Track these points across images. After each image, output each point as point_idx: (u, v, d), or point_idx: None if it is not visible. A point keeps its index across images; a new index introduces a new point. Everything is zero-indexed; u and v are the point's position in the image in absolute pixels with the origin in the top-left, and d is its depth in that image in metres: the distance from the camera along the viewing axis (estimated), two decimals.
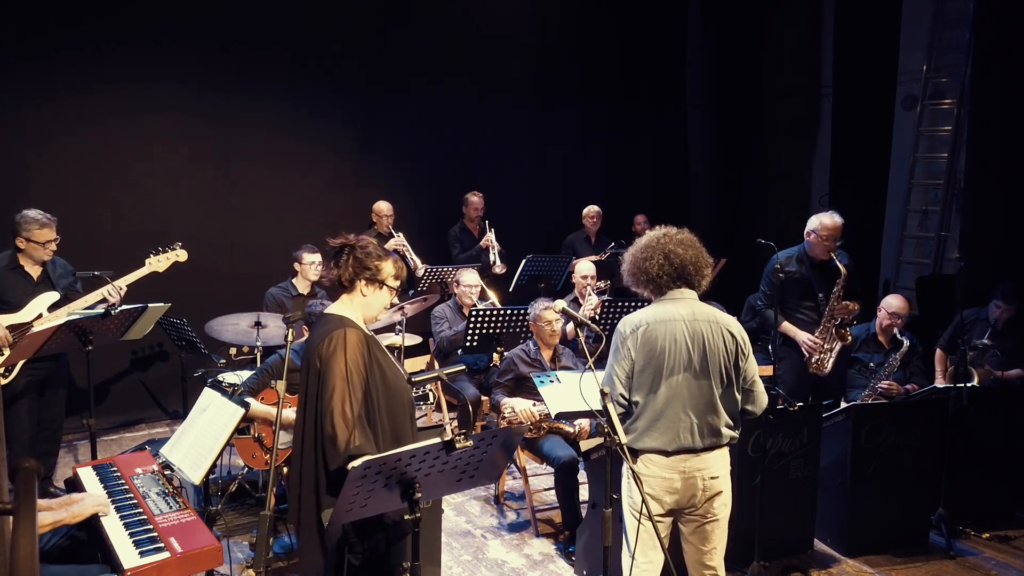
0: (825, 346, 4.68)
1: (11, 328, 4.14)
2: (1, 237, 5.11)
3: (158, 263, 4.49)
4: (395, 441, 2.57)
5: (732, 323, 2.90)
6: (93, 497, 2.83)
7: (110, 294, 4.28)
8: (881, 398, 4.82)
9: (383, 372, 2.57)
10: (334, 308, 2.67)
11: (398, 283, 2.71)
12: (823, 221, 4.61)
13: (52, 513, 2.67)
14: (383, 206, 6.58)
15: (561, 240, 7.67)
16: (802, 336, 4.70)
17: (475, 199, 7.06)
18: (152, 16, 6.09)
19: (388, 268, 2.66)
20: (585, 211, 7.54)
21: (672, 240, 2.88)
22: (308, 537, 2.52)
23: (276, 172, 6.76)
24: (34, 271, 4.36)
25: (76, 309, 4.22)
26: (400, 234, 6.48)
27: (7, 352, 4.14)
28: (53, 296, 4.32)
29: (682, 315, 2.83)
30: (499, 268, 6.80)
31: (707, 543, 2.90)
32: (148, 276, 4.50)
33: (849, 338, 4.71)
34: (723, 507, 2.89)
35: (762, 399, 2.91)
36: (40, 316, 4.22)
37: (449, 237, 7.08)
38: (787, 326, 4.74)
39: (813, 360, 4.70)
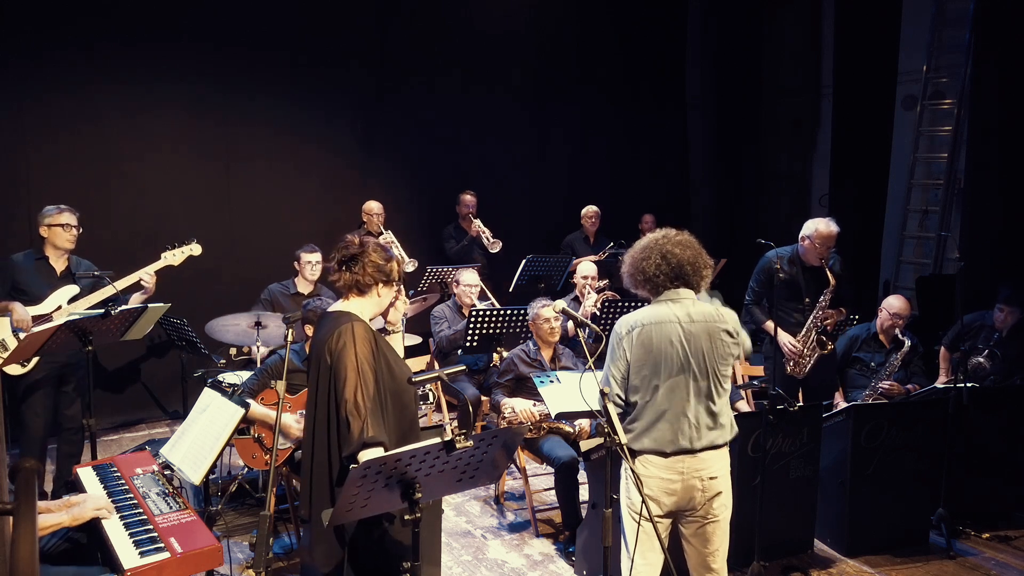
0: (805, 352, 4.70)
1: (32, 319, 4.24)
2: (1, 238, 5.12)
3: (173, 257, 4.62)
4: (402, 434, 2.62)
5: (729, 319, 2.90)
6: (94, 499, 2.81)
7: (145, 280, 4.43)
8: (882, 398, 4.83)
9: (389, 366, 2.62)
10: (339, 306, 2.71)
11: (399, 277, 2.82)
12: (819, 228, 4.61)
13: (52, 516, 2.66)
14: (373, 205, 6.60)
15: (561, 240, 7.68)
16: (783, 338, 4.71)
17: (467, 197, 7.13)
18: (152, 15, 6.09)
19: (396, 268, 2.76)
20: (584, 211, 7.55)
21: (670, 241, 2.89)
22: (321, 529, 2.54)
23: (276, 172, 6.76)
24: (59, 264, 4.46)
25: (99, 299, 4.32)
26: (389, 231, 6.51)
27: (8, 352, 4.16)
28: (73, 289, 4.42)
29: (678, 316, 2.83)
30: (495, 247, 6.90)
31: (709, 545, 2.89)
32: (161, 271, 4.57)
33: (829, 346, 4.73)
34: (723, 508, 2.88)
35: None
36: (59, 308, 4.30)
37: (444, 235, 7.16)
38: (770, 325, 4.77)
39: (791, 363, 4.71)
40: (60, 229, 4.38)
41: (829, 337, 4.84)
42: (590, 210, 7.53)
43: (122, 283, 4.37)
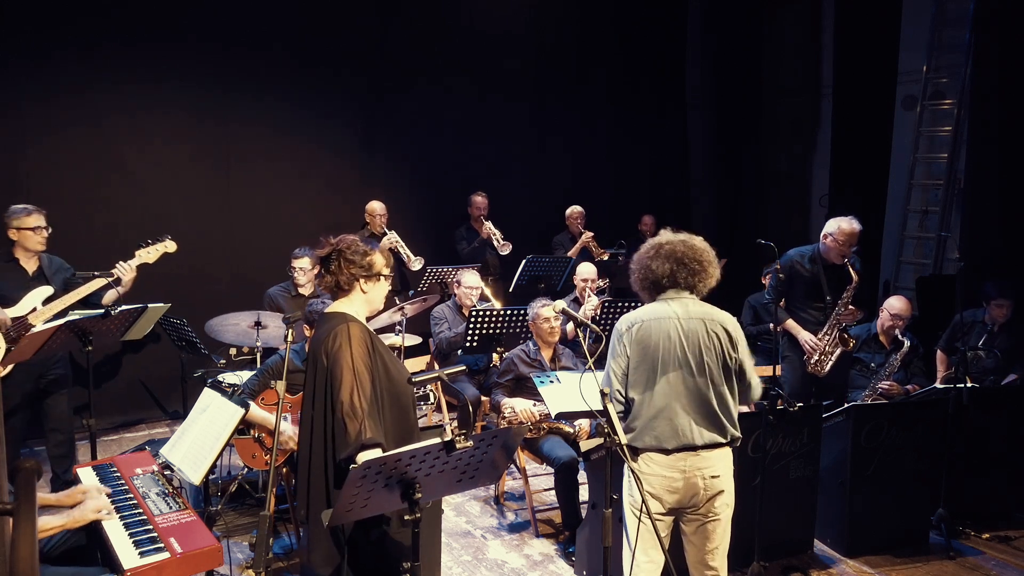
0: (827, 348, 4.69)
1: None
2: (2, 238, 5.10)
3: (147, 255, 4.48)
4: (399, 434, 2.60)
5: (728, 320, 2.92)
6: (95, 500, 2.81)
7: (122, 272, 4.31)
8: (882, 398, 4.83)
9: (386, 367, 2.61)
10: (336, 306, 2.70)
11: (390, 270, 2.76)
12: (841, 226, 4.58)
13: (53, 518, 2.66)
14: (376, 206, 6.60)
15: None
16: (804, 336, 4.71)
17: (478, 199, 7.16)
18: (152, 16, 6.09)
19: (379, 260, 2.70)
20: (568, 212, 7.53)
21: (659, 253, 2.91)
22: (319, 532, 2.54)
23: (276, 172, 6.76)
24: (30, 265, 4.39)
25: (76, 299, 4.25)
26: (393, 232, 6.52)
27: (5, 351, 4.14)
28: (47, 290, 4.34)
29: (676, 313, 2.86)
30: (504, 249, 6.96)
31: (709, 543, 2.90)
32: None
33: (852, 343, 4.72)
34: (725, 507, 2.90)
35: (756, 392, 2.96)
36: (34, 310, 4.24)
37: (456, 236, 7.20)
38: (791, 324, 4.75)
39: (812, 361, 4.70)
40: (31, 232, 4.30)
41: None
42: (575, 210, 7.52)
43: (98, 282, 4.29)
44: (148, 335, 4.60)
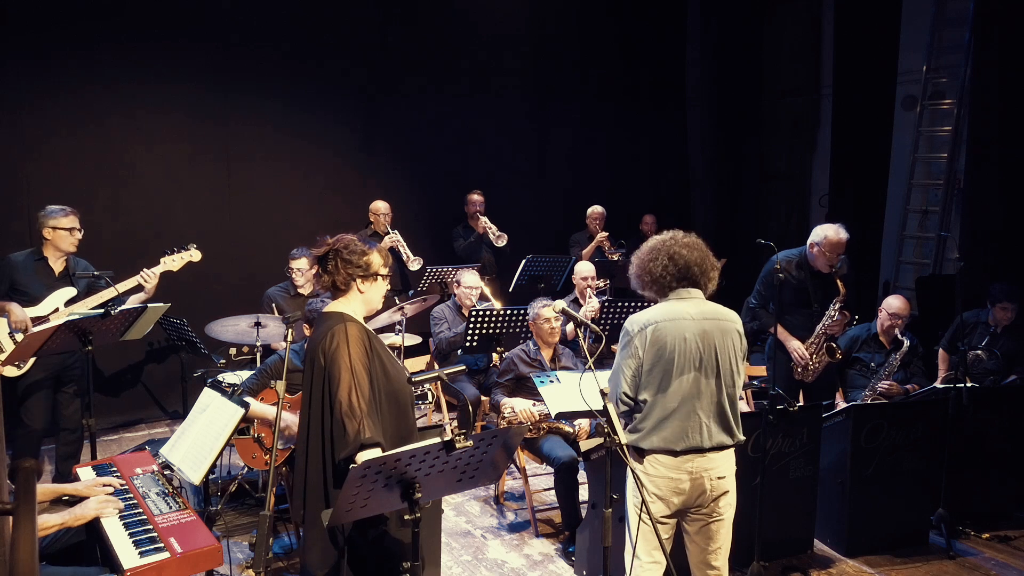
0: (814, 358, 4.68)
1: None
2: (1, 238, 5.12)
3: (172, 262, 4.58)
4: (398, 434, 2.60)
5: (737, 320, 2.92)
6: (96, 499, 2.82)
7: (146, 279, 4.42)
8: (881, 398, 4.83)
9: (383, 366, 2.60)
10: (334, 306, 2.69)
11: (387, 269, 2.74)
12: (828, 235, 4.51)
13: (53, 516, 2.66)
14: (380, 205, 6.65)
15: (561, 239, 7.72)
16: (792, 343, 4.68)
17: (475, 196, 7.19)
18: (152, 16, 6.09)
19: (376, 260, 2.68)
20: (589, 212, 7.54)
21: (677, 243, 2.89)
22: (315, 532, 2.53)
23: (276, 172, 6.76)
24: (57, 266, 4.45)
25: (98, 302, 4.31)
26: (395, 231, 6.55)
27: (9, 349, 4.16)
28: (70, 291, 4.42)
29: (690, 314, 2.84)
30: (500, 241, 6.99)
31: (712, 543, 2.90)
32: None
33: (839, 355, 4.70)
34: (728, 507, 2.90)
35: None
36: (56, 310, 4.30)
37: (453, 234, 7.23)
38: (779, 330, 4.73)
39: (798, 369, 4.69)
40: (65, 233, 4.37)
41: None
42: (595, 210, 7.53)
43: (122, 286, 4.36)
44: (148, 335, 4.62)
